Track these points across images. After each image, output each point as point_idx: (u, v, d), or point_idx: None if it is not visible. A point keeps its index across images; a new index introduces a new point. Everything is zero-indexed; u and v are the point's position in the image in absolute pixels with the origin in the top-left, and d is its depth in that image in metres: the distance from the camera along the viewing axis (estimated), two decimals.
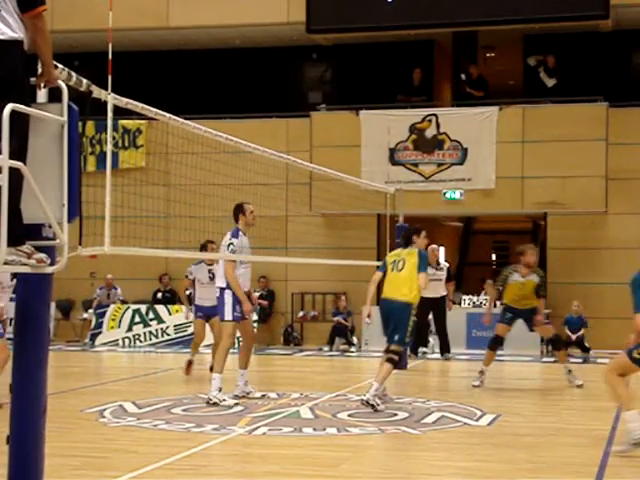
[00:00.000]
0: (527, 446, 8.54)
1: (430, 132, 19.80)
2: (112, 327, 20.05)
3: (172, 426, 9.31)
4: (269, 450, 8.24)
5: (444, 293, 17.26)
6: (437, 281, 16.81)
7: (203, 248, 12.82)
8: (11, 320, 8.31)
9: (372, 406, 10.22)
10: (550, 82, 20.77)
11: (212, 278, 12.72)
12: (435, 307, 17.06)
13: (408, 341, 10.80)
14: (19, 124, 4.63)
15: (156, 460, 7.62)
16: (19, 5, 4.84)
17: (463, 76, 21.33)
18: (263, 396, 11.38)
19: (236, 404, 10.66)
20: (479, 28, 21.03)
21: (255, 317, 13.58)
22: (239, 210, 11.19)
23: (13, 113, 4.47)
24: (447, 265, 17.95)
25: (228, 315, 10.97)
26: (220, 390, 10.70)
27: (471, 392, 12.50)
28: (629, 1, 19.55)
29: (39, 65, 4.99)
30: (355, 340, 19.53)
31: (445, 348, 17.38)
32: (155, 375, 15.11)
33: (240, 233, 11.04)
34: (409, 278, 10.56)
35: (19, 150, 4.68)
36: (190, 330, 19.76)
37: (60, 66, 5.13)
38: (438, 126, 19.75)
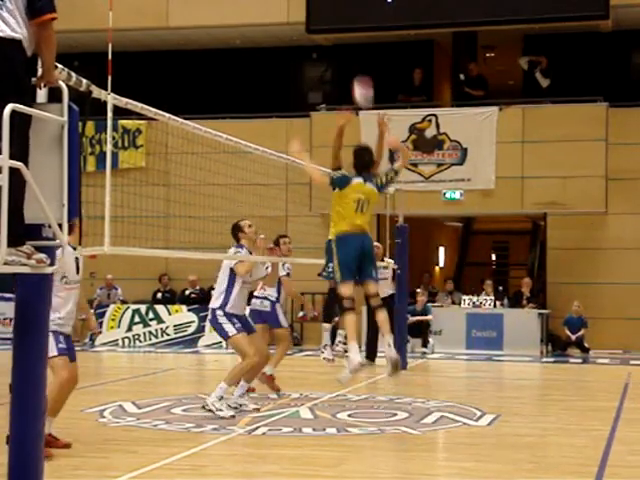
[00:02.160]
0: (527, 446, 8.54)
1: (430, 132, 19.80)
2: (112, 327, 20.05)
3: (172, 426, 9.31)
4: (269, 450, 8.24)
5: (391, 292, 15.80)
6: (383, 280, 14.63)
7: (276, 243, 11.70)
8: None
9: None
10: (545, 82, 20.75)
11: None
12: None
13: None
14: (20, 124, 4.62)
15: (156, 460, 7.62)
16: (26, 11, 4.83)
17: (462, 76, 21.31)
18: (257, 409, 10.52)
19: (232, 416, 9.84)
20: (479, 28, 21.03)
21: None
22: (236, 230, 10.43)
23: (13, 113, 4.47)
24: (391, 263, 15.54)
25: (231, 330, 10.11)
26: (221, 399, 9.97)
27: (471, 392, 12.50)
28: (629, 1, 19.56)
29: (39, 66, 4.99)
30: None
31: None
32: (155, 375, 15.11)
33: (245, 249, 10.29)
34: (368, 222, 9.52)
35: (20, 150, 4.66)
36: (190, 330, 19.80)
37: (60, 66, 5.13)
38: (438, 126, 19.75)
